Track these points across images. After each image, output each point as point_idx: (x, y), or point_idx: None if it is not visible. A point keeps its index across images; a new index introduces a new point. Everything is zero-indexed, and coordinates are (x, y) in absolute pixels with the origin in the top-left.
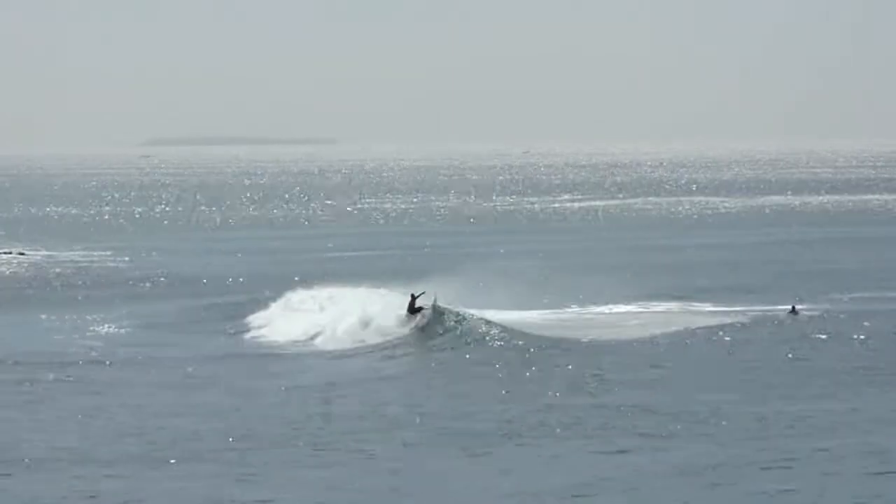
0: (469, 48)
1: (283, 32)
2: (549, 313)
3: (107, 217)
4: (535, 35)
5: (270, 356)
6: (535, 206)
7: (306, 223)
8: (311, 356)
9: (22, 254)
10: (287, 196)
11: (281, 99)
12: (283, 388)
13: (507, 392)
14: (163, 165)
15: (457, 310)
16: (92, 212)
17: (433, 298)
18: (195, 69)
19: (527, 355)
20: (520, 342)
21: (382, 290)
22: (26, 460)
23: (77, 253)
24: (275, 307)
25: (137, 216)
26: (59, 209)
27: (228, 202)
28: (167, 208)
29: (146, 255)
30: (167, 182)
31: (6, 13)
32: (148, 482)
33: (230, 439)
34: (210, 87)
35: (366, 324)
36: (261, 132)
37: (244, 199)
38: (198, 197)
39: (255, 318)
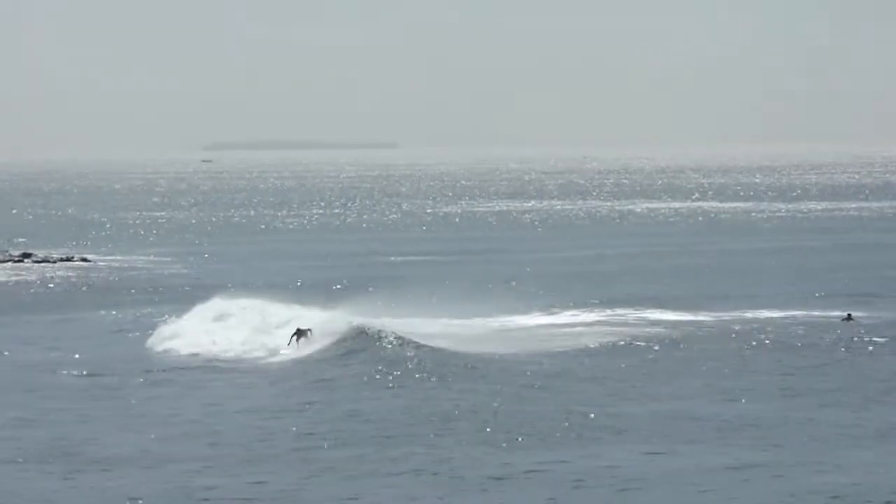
0: (522, 54)
1: (342, 36)
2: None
3: (171, 221)
4: (578, 40)
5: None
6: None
7: (372, 227)
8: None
9: (85, 259)
10: (357, 199)
11: (341, 103)
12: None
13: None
14: (224, 170)
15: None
16: (157, 215)
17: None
18: (256, 73)
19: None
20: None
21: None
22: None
23: (142, 258)
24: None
25: (200, 220)
26: (124, 214)
27: (293, 205)
28: (230, 212)
29: (209, 260)
30: (229, 186)
31: (68, 20)
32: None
33: None
34: (271, 91)
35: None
36: (321, 136)
37: (310, 203)
38: (260, 200)
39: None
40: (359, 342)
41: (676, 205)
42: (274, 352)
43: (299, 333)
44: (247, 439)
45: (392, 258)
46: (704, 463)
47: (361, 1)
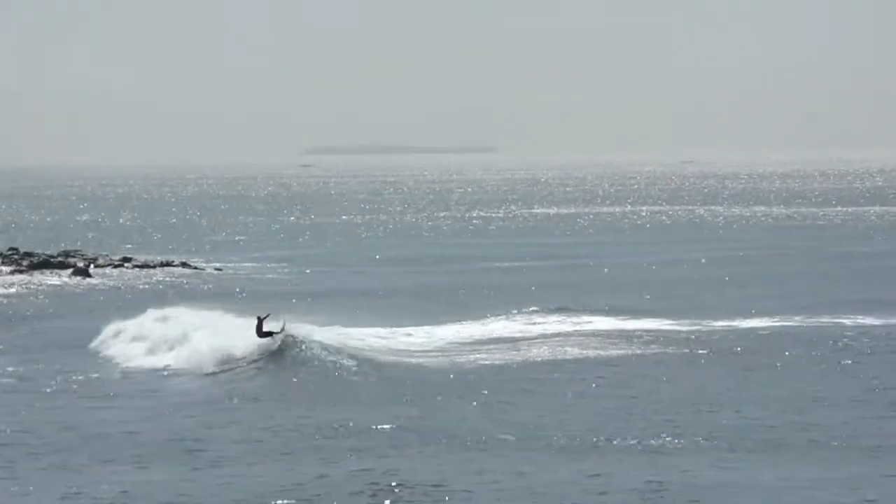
0: (619, 61)
1: (440, 39)
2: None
3: (273, 226)
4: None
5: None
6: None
7: (466, 232)
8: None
9: (185, 264)
10: (454, 202)
11: (439, 107)
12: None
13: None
14: (324, 174)
15: (309, 334)
16: (260, 220)
17: (282, 323)
18: (353, 78)
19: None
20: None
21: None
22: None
23: (246, 264)
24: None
25: (303, 224)
26: (229, 219)
27: (396, 209)
28: (331, 217)
29: (314, 264)
30: (330, 191)
31: (164, 22)
32: None
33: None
34: (368, 95)
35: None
36: (419, 141)
37: (413, 207)
38: (362, 205)
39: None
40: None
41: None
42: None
43: (264, 333)
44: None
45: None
46: None
47: (460, 5)
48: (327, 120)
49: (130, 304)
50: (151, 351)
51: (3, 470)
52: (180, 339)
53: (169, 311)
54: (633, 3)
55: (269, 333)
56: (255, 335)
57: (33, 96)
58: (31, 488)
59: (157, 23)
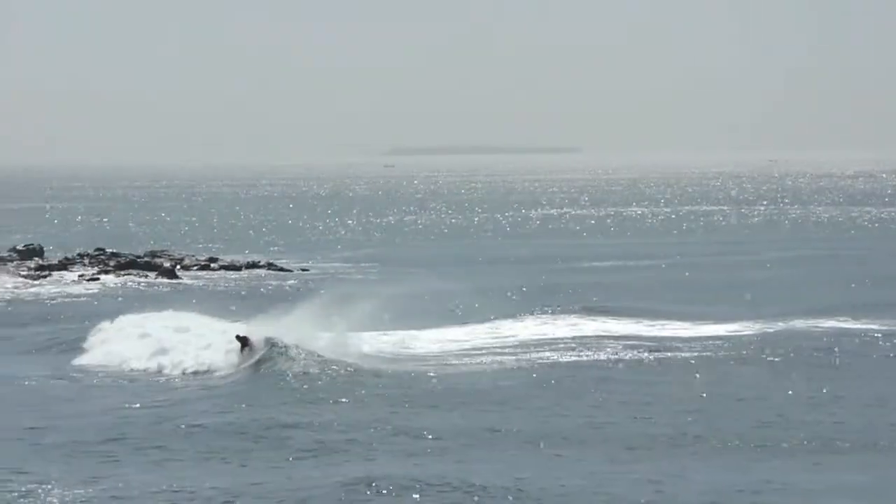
0: (703, 57)
1: (520, 40)
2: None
3: (360, 227)
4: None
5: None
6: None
7: (555, 232)
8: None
9: (272, 265)
10: (545, 202)
11: (520, 107)
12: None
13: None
14: (408, 174)
15: (290, 344)
16: (348, 222)
17: (264, 334)
18: (435, 77)
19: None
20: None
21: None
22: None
23: (337, 265)
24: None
25: (390, 224)
26: (317, 219)
27: (478, 209)
28: (415, 217)
29: (400, 264)
30: (412, 191)
31: (246, 23)
32: None
33: None
34: (451, 95)
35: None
36: (502, 141)
37: (495, 206)
38: (444, 206)
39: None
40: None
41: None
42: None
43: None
44: None
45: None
46: None
47: (542, 4)
48: (408, 121)
49: (215, 305)
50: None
51: (111, 464)
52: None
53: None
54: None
55: (246, 344)
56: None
57: (129, 96)
58: (133, 482)
59: (235, 26)
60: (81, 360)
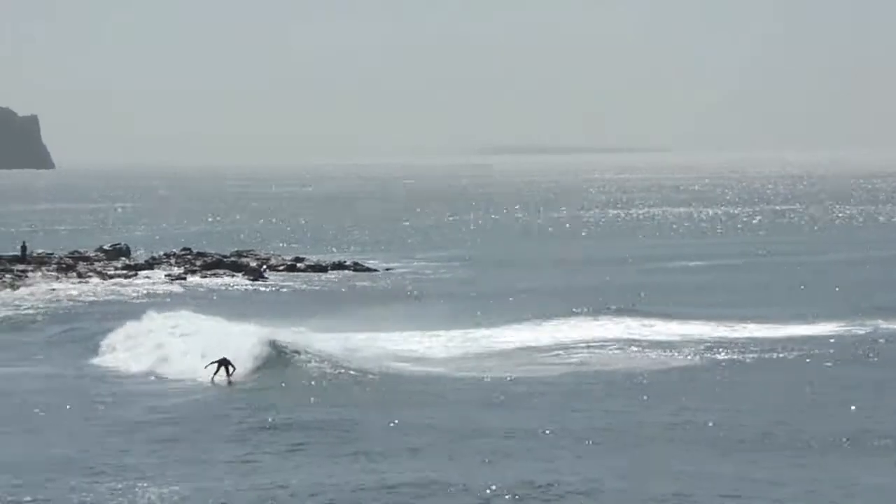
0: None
1: (607, 38)
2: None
3: (447, 225)
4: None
5: None
6: None
7: (648, 233)
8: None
9: (357, 265)
10: (638, 202)
11: (607, 106)
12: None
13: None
14: (499, 173)
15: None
16: (449, 220)
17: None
18: (522, 77)
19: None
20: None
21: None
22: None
23: (422, 264)
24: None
25: (478, 224)
26: (403, 218)
27: (572, 208)
28: (508, 216)
29: (488, 263)
30: (506, 190)
31: (337, 26)
32: None
33: None
34: (539, 94)
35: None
36: (588, 141)
37: (594, 205)
38: (540, 204)
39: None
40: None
41: None
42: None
43: (223, 364)
44: None
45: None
46: None
47: (624, 6)
48: (499, 120)
49: (301, 307)
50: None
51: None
52: None
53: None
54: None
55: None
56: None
57: (237, 96)
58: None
59: (338, 23)
60: (163, 366)
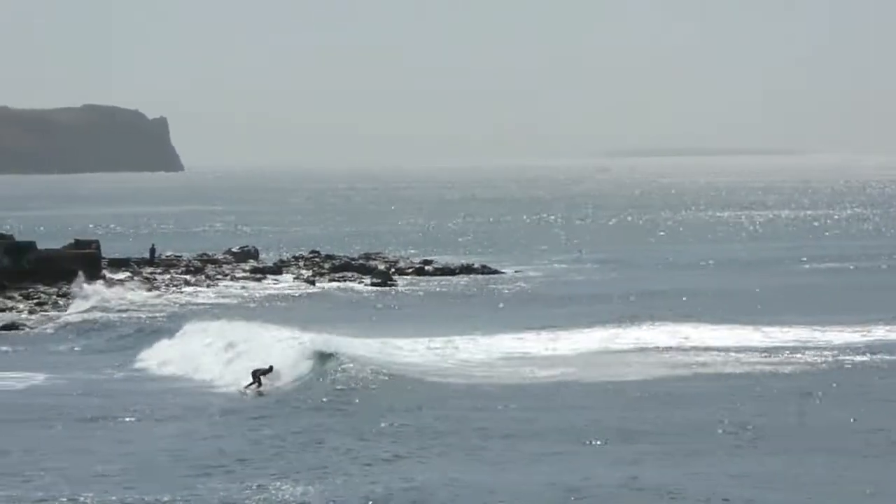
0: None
1: (729, 38)
2: None
3: (574, 228)
4: None
5: None
6: None
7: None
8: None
9: (486, 268)
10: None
11: (726, 108)
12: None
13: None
14: (625, 176)
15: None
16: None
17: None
18: (648, 79)
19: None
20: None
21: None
22: None
23: (553, 266)
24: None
25: (608, 225)
26: (532, 221)
27: (693, 207)
28: (629, 217)
29: (620, 266)
30: (634, 193)
31: (453, 22)
32: None
33: None
34: (664, 98)
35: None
36: (711, 143)
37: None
38: (671, 207)
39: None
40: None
41: None
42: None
43: (256, 376)
44: None
45: None
46: None
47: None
48: (620, 122)
49: (433, 315)
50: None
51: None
52: None
53: None
54: None
55: (258, 379)
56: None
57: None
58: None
59: (438, 21)
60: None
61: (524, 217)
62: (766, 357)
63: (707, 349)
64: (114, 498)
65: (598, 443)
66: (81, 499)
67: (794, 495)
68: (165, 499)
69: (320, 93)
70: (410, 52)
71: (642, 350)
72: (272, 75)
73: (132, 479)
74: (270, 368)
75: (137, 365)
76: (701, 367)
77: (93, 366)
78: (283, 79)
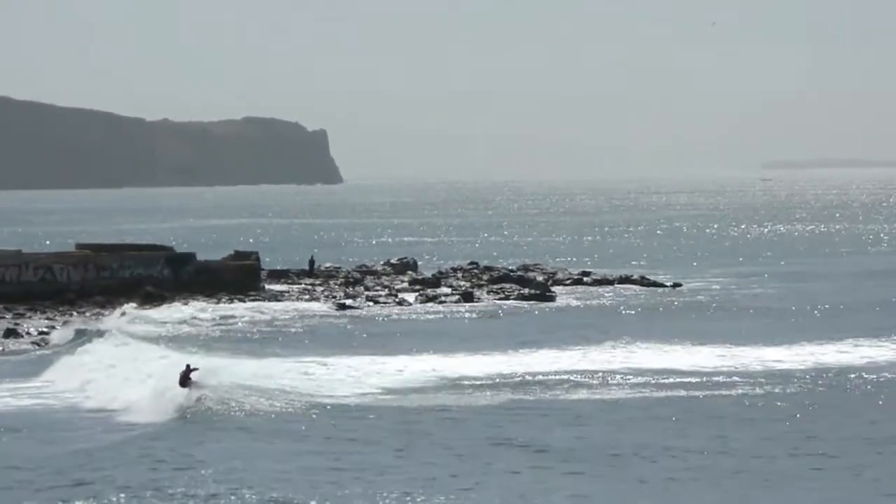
0: None
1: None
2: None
3: (743, 241)
4: None
5: None
6: None
7: None
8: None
9: (645, 279)
10: None
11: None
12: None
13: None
14: (790, 188)
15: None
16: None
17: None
18: (804, 91)
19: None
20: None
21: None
22: None
23: (716, 279)
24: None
25: (767, 239)
26: (697, 233)
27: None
28: (794, 230)
29: (786, 280)
30: (793, 203)
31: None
32: None
33: None
34: (824, 108)
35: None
36: (870, 154)
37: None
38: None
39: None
40: None
41: None
42: None
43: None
44: None
45: None
46: None
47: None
48: (781, 133)
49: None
50: None
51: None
52: None
53: None
54: None
55: (188, 381)
56: (180, 384)
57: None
58: None
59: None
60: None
61: (694, 228)
62: None
63: None
64: None
65: None
66: None
67: None
68: None
69: (480, 103)
70: (575, 58)
71: None
72: (430, 83)
73: None
74: (189, 367)
75: None
76: None
77: None
78: (441, 87)
